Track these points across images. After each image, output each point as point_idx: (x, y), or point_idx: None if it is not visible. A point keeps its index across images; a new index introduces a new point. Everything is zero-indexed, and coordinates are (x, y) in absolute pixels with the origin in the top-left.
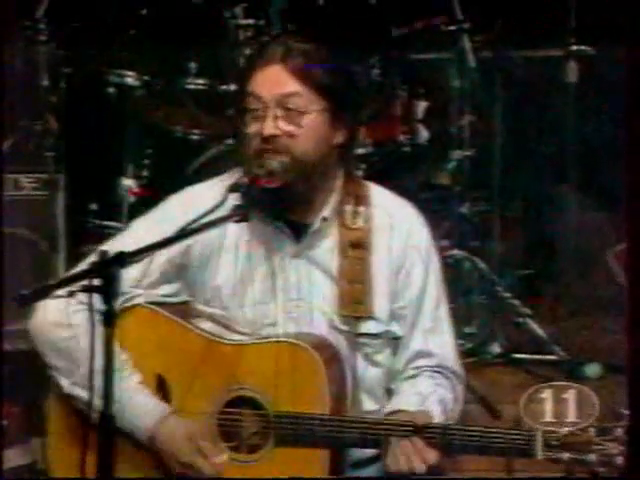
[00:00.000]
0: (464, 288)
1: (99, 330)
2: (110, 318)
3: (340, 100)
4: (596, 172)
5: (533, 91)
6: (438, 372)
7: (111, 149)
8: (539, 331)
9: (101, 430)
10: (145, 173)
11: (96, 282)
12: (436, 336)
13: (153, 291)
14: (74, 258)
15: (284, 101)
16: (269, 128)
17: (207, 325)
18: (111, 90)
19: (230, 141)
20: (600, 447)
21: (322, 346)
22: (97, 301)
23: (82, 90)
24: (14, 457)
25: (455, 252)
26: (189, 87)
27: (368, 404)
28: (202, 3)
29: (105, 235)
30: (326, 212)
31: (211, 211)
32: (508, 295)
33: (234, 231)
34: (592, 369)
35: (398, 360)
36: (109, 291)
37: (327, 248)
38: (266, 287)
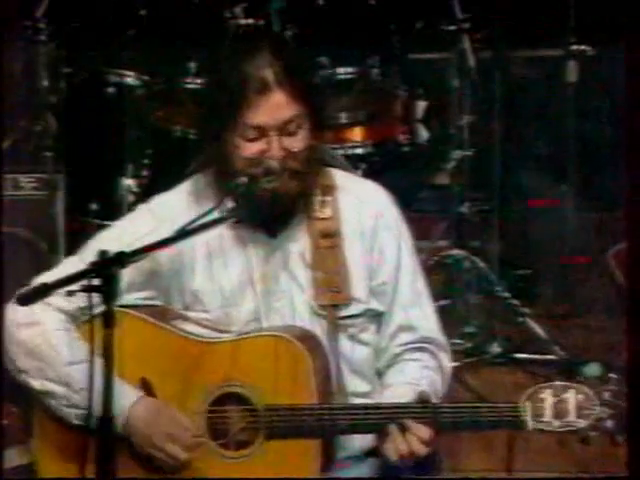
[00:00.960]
0: (463, 288)
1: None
2: (109, 318)
3: (317, 103)
4: (596, 172)
5: (533, 91)
6: (422, 349)
7: (111, 149)
8: (539, 331)
9: (101, 432)
10: (145, 173)
11: (95, 282)
12: (416, 309)
13: (125, 295)
14: None
15: (286, 125)
16: (276, 151)
17: (188, 326)
18: (111, 90)
19: None
20: (589, 412)
21: (305, 337)
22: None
23: (82, 90)
24: (14, 457)
25: (454, 252)
26: (189, 87)
27: (359, 385)
28: (202, 3)
29: None
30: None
31: (208, 213)
32: (507, 295)
33: (204, 235)
34: (592, 369)
35: (382, 337)
36: (108, 291)
37: (300, 240)
38: (245, 285)
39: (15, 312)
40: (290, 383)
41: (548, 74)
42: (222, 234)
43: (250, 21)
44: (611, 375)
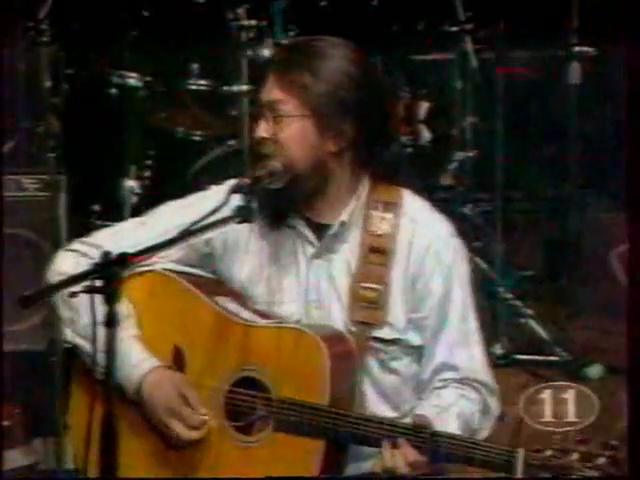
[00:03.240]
0: None
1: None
2: (111, 319)
3: (325, 107)
4: (598, 173)
5: (535, 92)
6: (465, 384)
7: (113, 150)
8: (541, 332)
9: (105, 428)
10: (147, 174)
11: (98, 283)
12: (462, 349)
13: (179, 266)
14: None
15: (273, 107)
16: (260, 131)
17: (228, 304)
18: (113, 91)
19: (232, 142)
20: (580, 473)
21: (336, 339)
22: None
23: (84, 91)
24: (16, 458)
25: None
26: (191, 88)
27: (384, 411)
28: (204, 4)
29: None
30: (344, 216)
31: (214, 212)
32: (510, 296)
33: (258, 230)
34: (594, 370)
35: (424, 370)
36: (111, 292)
37: (348, 251)
38: (288, 287)
39: (60, 262)
40: (305, 379)
41: (551, 75)
42: (272, 233)
43: (252, 22)
44: (612, 442)
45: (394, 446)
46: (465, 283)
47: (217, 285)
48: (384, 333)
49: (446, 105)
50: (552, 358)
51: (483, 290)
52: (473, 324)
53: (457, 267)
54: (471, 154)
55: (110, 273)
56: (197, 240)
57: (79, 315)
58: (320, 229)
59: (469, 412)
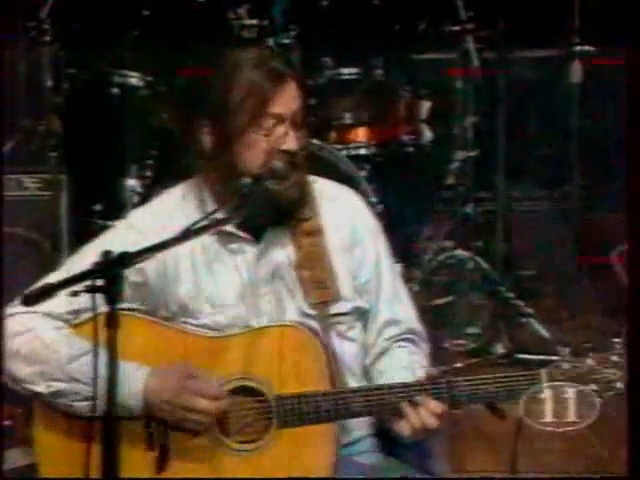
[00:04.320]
0: (467, 288)
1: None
2: (113, 319)
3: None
4: (600, 172)
5: (537, 92)
6: (406, 339)
7: (114, 149)
8: (542, 331)
9: (105, 432)
10: (148, 173)
11: (99, 283)
12: (398, 303)
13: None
14: None
15: (296, 116)
16: (292, 142)
17: (188, 325)
18: (114, 90)
19: None
20: (600, 375)
21: (308, 328)
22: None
23: (86, 91)
24: (18, 457)
25: (458, 252)
26: None
27: (350, 382)
28: (205, 3)
29: None
30: None
31: (213, 212)
32: (511, 295)
33: (188, 244)
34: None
35: (369, 334)
36: (112, 292)
37: (284, 241)
38: (232, 291)
39: (4, 324)
40: (303, 371)
41: (552, 74)
42: (205, 242)
43: (254, 22)
44: (615, 340)
45: (415, 405)
46: (385, 242)
47: (152, 314)
48: (340, 307)
49: (447, 105)
50: (554, 357)
51: (484, 289)
52: (399, 279)
53: (377, 229)
54: (472, 153)
55: (111, 272)
56: (129, 272)
57: (47, 363)
58: (254, 229)
59: (422, 365)
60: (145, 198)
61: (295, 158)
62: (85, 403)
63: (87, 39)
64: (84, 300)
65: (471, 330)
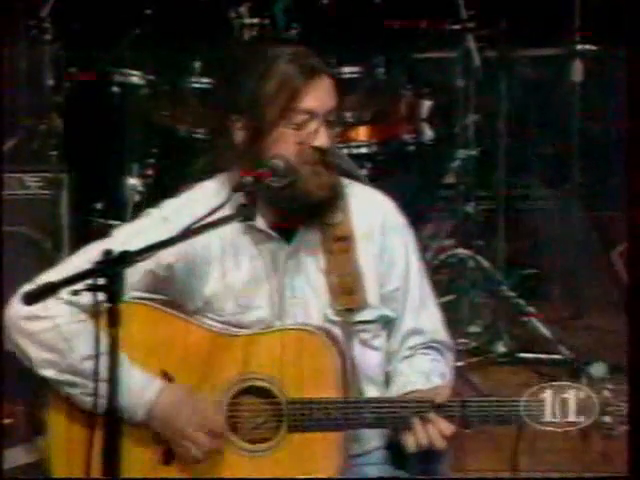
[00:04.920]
0: (468, 287)
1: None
2: (114, 317)
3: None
4: (601, 171)
5: (538, 90)
6: (431, 347)
7: (116, 148)
8: (544, 330)
9: (107, 431)
10: (150, 172)
11: (100, 281)
12: (424, 311)
13: (136, 293)
14: None
15: (329, 114)
16: (324, 140)
17: (207, 321)
18: (115, 89)
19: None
20: (614, 407)
21: (324, 333)
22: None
23: (87, 89)
24: (19, 456)
25: (459, 251)
26: (194, 86)
27: (370, 391)
28: (206, 2)
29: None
30: None
31: (215, 211)
32: (512, 294)
33: (219, 241)
34: (597, 369)
35: (393, 341)
36: (113, 290)
37: (314, 246)
38: (259, 290)
39: (22, 306)
40: (315, 376)
41: (553, 73)
42: (236, 239)
43: (255, 20)
44: (613, 376)
45: (425, 422)
46: (416, 247)
47: (177, 307)
48: (366, 315)
49: (448, 103)
50: (555, 356)
51: (485, 288)
52: (427, 287)
53: (408, 234)
54: (473, 152)
55: (113, 271)
56: (155, 266)
57: (63, 355)
58: (286, 229)
59: (444, 372)
60: (146, 197)
61: (325, 156)
62: (90, 399)
63: (88, 38)
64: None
65: (472, 329)
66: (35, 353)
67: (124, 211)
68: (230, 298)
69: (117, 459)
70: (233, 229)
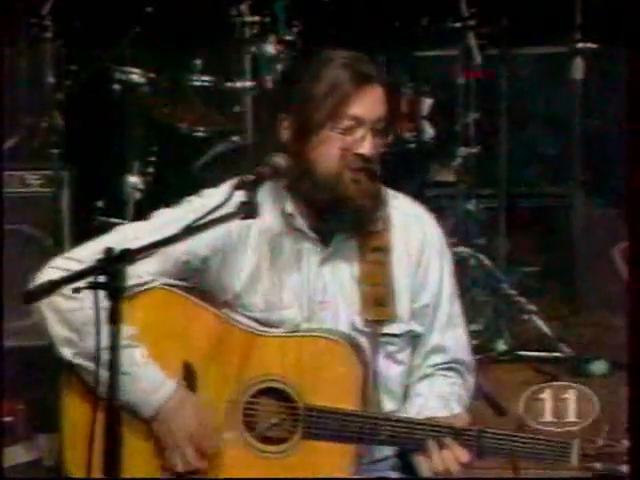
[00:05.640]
0: (469, 285)
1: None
2: (116, 315)
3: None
4: (601, 168)
5: (538, 88)
6: (451, 369)
7: (116, 146)
8: (545, 328)
9: (108, 428)
10: (150, 170)
11: (102, 279)
12: (450, 330)
13: (169, 280)
14: None
15: (377, 123)
16: (369, 148)
17: (237, 316)
18: (116, 87)
19: (235, 138)
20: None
21: (350, 343)
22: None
23: (88, 87)
24: (20, 454)
25: (460, 249)
26: (195, 84)
27: (387, 404)
28: (207, 0)
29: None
30: None
31: (216, 209)
32: (514, 292)
33: (257, 237)
34: (598, 366)
35: (417, 356)
36: (115, 288)
37: (351, 253)
38: (291, 292)
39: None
40: (335, 385)
41: (554, 71)
42: (275, 238)
43: (256, 18)
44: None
45: (441, 447)
46: (451, 267)
47: (208, 297)
48: (395, 328)
49: (449, 101)
50: (556, 354)
51: (486, 286)
52: (457, 306)
53: (446, 253)
54: (474, 150)
55: (114, 269)
56: (191, 257)
57: (82, 337)
58: (324, 232)
59: (462, 396)
60: (147, 195)
61: (368, 164)
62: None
63: (89, 36)
64: (144, 272)
65: (473, 327)
66: (57, 330)
67: (125, 209)
68: (260, 295)
69: (117, 459)
70: (273, 226)
